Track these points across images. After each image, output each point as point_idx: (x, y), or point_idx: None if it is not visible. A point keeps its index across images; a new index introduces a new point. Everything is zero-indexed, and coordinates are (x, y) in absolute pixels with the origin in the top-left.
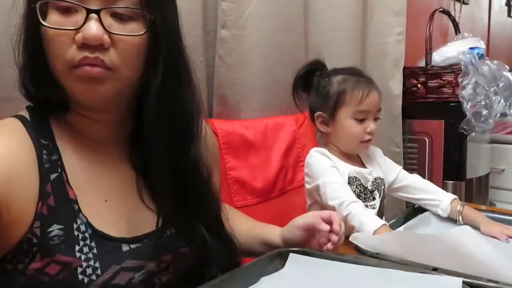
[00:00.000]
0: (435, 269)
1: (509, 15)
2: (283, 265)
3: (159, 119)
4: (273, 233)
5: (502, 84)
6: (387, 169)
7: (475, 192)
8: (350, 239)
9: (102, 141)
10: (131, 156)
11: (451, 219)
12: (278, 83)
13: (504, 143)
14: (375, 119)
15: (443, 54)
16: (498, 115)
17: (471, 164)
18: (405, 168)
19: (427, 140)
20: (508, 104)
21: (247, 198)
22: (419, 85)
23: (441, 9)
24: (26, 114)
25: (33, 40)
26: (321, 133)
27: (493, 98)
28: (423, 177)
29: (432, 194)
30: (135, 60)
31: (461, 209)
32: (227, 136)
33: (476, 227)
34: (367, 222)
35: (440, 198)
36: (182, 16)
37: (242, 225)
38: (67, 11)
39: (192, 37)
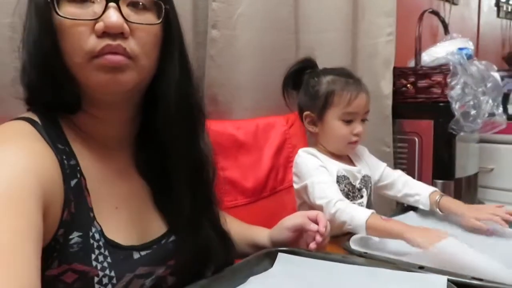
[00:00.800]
0: (421, 267)
1: (498, 16)
2: (271, 265)
3: (177, 110)
4: (262, 234)
5: (490, 84)
6: (373, 166)
7: (464, 191)
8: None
9: (110, 145)
10: (137, 161)
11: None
12: (269, 83)
13: (492, 142)
14: (363, 120)
15: (432, 55)
16: (486, 115)
17: (460, 164)
18: (395, 168)
19: (416, 139)
20: (496, 104)
21: (238, 198)
22: (409, 85)
23: (431, 10)
24: (33, 116)
25: (48, 36)
26: (310, 133)
27: (481, 98)
28: (413, 176)
29: (413, 189)
30: (153, 49)
31: (438, 200)
32: (218, 136)
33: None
34: (357, 214)
35: (420, 192)
36: None
37: (231, 227)
38: (82, 1)
39: None
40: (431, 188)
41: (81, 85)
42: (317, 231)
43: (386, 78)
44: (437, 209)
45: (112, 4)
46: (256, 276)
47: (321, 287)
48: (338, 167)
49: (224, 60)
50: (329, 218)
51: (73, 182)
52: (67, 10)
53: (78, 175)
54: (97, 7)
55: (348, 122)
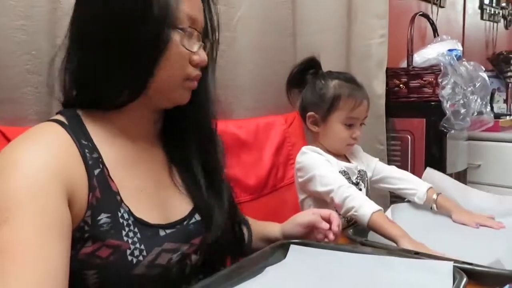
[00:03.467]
0: (416, 253)
1: (482, 18)
2: (284, 256)
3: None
4: (274, 229)
5: (478, 84)
6: (367, 162)
7: None
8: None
9: (137, 135)
10: (164, 144)
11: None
12: (268, 84)
13: (480, 140)
14: (361, 124)
15: (423, 56)
16: (475, 113)
17: (450, 160)
18: (388, 165)
19: (409, 137)
20: (484, 103)
21: (240, 195)
22: (401, 85)
23: (421, 13)
24: (60, 118)
25: (156, 50)
26: (310, 131)
27: (470, 97)
28: None
29: (410, 183)
30: None
31: (435, 198)
32: (221, 135)
33: (448, 215)
34: (367, 205)
35: (417, 187)
36: None
37: None
38: (189, 37)
39: None
40: (426, 184)
41: (165, 95)
42: (330, 229)
43: (379, 78)
44: (434, 205)
45: (202, 44)
46: (272, 266)
47: (333, 275)
48: (339, 164)
49: (225, 62)
50: (339, 202)
51: (96, 171)
52: (176, 38)
53: (101, 166)
54: (195, 43)
55: (349, 126)
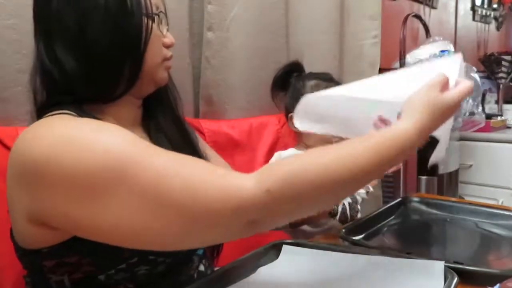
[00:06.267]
0: (408, 253)
1: (473, 19)
2: (277, 256)
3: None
4: None
5: None
6: None
7: (446, 186)
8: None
9: (128, 122)
10: (149, 135)
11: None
12: (261, 84)
13: (472, 140)
14: None
15: (415, 57)
16: (467, 114)
17: (442, 160)
18: None
19: None
20: (475, 103)
21: None
22: None
23: (414, 14)
24: (65, 111)
25: (142, 39)
26: (294, 132)
27: None
28: (398, 173)
29: None
30: None
31: None
32: (214, 136)
33: None
34: None
35: None
36: (169, 19)
37: None
38: (159, 24)
39: (179, 39)
40: None
41: (150, 78)
42: None
43: None
44: None
45: (167, 27)
46: (265, 267)
47: (326, 275)
48: None
49: (218, 62)
50: None
51: None
52: (152, 24)
53: None
54: (163, 27)
55: None
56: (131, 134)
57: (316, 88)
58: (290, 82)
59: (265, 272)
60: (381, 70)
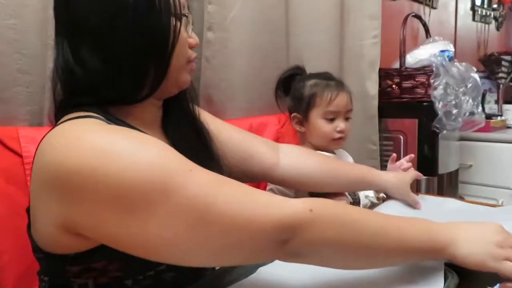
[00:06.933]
0: None
1: (473, 19)
2: None
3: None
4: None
5: (470, 85)
6: None
7: (446, 186)
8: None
9: (149, 122)
10: (166, 136)
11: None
12: (261, 84)
13: (471, 140)
14: (347, 118)
15: (416, 57)
16: (467, 114)
17: (442, 160)
18: (381, 165)
19: (402, 138)
20: (475, 103)
21: None
22: (394, 86)
23: (414, 14)
24: (94, 114)
25: (170, 41)
26: (298, 132)
27: (462, 98)
28: None
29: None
30: None
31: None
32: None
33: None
34: None
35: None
36: None
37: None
38: (186, 24)
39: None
40: None
41: (173, 80)
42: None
43: (372, 79)
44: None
45: (192, 26)
46: (265, 267)
47: (326, 275)
48: None
49: (218, 62)
50: None
51: None
52: (178, 25)
53: None
54: (189, 28)
55: (331, 120)
56: (170, 148)
57: (315, 86)
58: (292, 85)
59: (265, 272)
60: (381, 70)
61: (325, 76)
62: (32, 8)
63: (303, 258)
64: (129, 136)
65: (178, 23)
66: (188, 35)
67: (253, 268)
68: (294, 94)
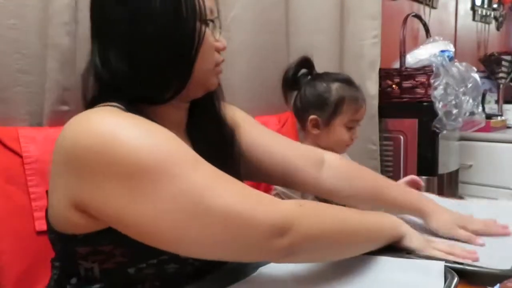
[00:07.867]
0: (408, 253)
1: (473, 19)
2: None
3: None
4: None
5: (470, 85)
6: None
7: (446, 186)
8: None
9: (174, 124)
10: (191, 138)
11: None
12: (261, 84)
13: (471, 140)
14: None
15: (416, 57)
16: (467, 114)
17: (442, 160)
18: (381, 165)
19: (402, 138)
20: (475, 103)
21: None
22: (394, 86)
23: (414, 14)
24: (116, 104)
25: (195, 44)
26: (306, 134)
27: (462, 98)
28: (398, 172)
29: None
30: None
31: None
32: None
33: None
34: None
35: None
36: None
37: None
38: (213, 28)
39: None
40: None
41: (200, 83)
42: None
43: (372, 79)
44: None
45: (220, 30)
46: (264, 267)
47: (325, 275)
48: None
49: None
50: None
51: None
52: (204, 29)
53: None
54: (216, 31)
55: (350, 128)
56: (181, 141)
57: (343, 92)
58: (299, 79)
59: (265, 272)
60: (381, 70)
61: (348, 80)
62: (32, 8)
63: (294, 256)
64: (141, 121)
65: (204, 28)
66: (215, 39)
67: (253, 268)
68: (316, 94)
